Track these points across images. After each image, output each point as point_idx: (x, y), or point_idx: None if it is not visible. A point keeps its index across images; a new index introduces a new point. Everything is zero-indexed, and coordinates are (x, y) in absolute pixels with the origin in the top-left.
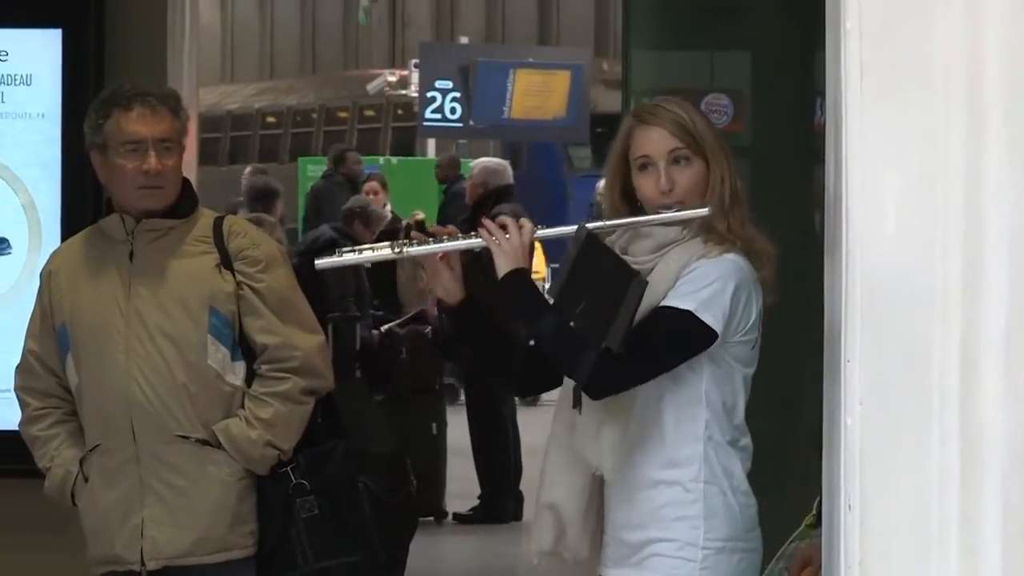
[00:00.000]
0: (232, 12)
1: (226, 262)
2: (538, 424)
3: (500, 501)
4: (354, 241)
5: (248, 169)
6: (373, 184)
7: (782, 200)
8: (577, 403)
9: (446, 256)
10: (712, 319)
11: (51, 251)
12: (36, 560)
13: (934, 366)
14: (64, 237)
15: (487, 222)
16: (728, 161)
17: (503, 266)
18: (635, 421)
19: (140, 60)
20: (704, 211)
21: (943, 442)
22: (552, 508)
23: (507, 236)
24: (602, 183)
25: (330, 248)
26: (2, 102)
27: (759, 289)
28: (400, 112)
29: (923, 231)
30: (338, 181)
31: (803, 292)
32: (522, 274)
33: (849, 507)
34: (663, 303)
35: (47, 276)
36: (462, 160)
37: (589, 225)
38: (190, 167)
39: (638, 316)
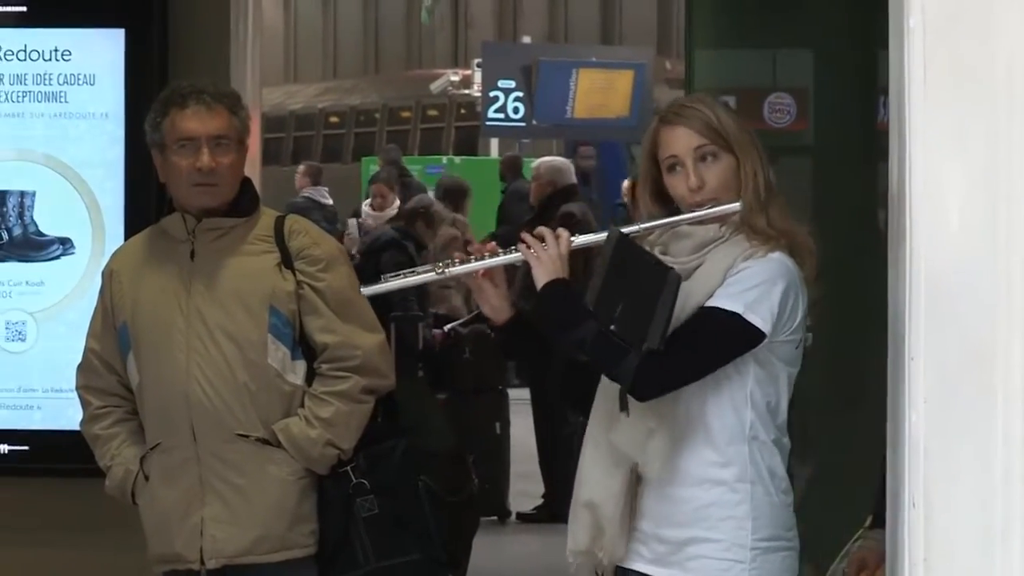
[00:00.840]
0: (295, 12)
1: (287, 261)
2: None
3: (564, 500)
4: (415, 241)
5: (301, 168)
6: (380, 187)
7: (846, 198)
8: (624, 406)
9: (489, 273)
10: (760, 320)
11: (113, 251)
12: (98, 558)
13: (998, 363)
14: (127, 236)
15: (525, 235)
16: (759, 155)
17: (541, 277)
18: (681, 422)
19: (203, 60)
20: (736, 206)
21: (1007, 439)
22: (590, 507)
23: (545, 247)
24: (626, 183)
25: (391, 247)
26: (65, 102)
27: (805, 288)
28: (463, 112)
29: (987, 228)
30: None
31: (867, 290)
32: (560, 284)
33: (913, 504)
34: (710, 303)
35: (109, 275)
36: (524, 159)
37: (624, 229)
38: (253, 167)
39: (684, 314)
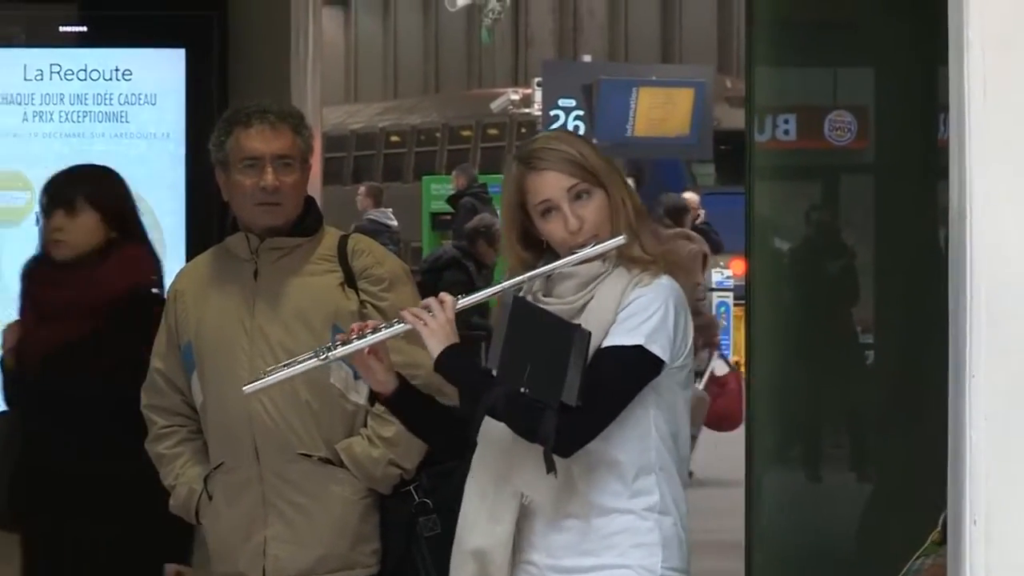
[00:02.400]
0: (356, 31)
1: (350, 281)
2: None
3: None
4: (475, 260)
5: (362, 188)
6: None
7: (906, 216)
8: (552, 467)
9: (373, 349)
10: (660, 349)
11: (176, 271)
12: None
13: None
14: (188, 257)
15: (408, 308)
16: (623, 180)
17: (434, 347)
18: (584, 458)
19: (264, 79)
20: (620, 239)
21: None
22: (478, 555)
23: (432, 315)
24: (687, 195)
25: (452, 266)
26: (126, 122)
27: (688, 310)
28: (523, 130)
29: None
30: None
31: (928, 307)
32: (457, 350)
33: (974, 522)
34: (608, 342)
35: (173, 295)
36: None
37: (510, 280)
38: (315, 186)
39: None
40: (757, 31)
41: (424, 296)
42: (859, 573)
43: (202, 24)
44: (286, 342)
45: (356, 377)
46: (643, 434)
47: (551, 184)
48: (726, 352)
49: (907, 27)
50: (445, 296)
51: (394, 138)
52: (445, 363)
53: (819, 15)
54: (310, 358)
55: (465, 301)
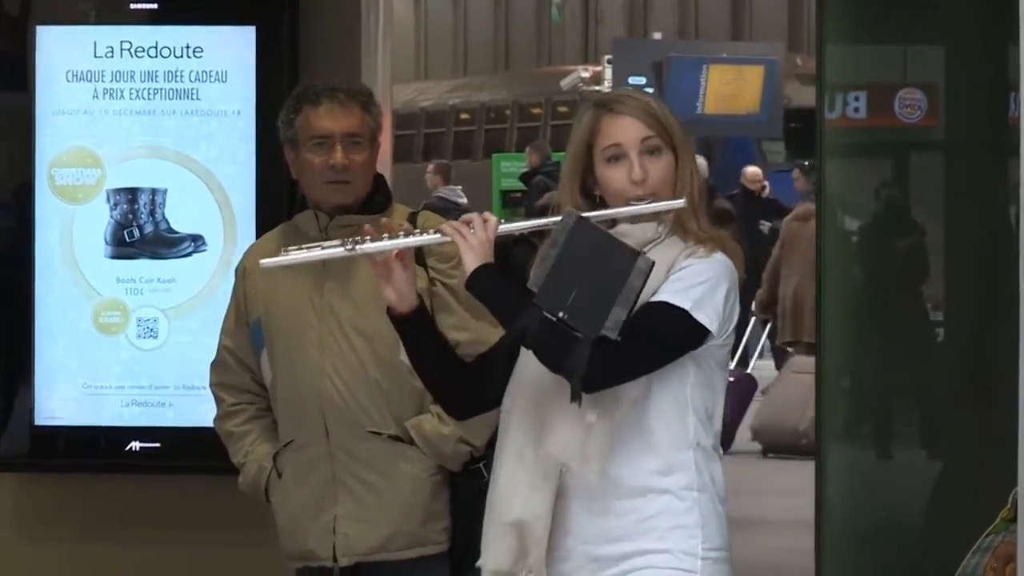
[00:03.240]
0: (425, 8)
1: (419, 258)
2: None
3: None
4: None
5: (431, 166)
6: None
7: (977, 195)
8: (577, 396)
9: (401, 255)
10: (706, 319)
11: (245, 248)
12: (233, 555)
13: None
14: (258, 234)
15: (450, 222)
16: (694, 159)
17: (470, 262)
18: (619, 427)
19: (334, 57)
20: (680, 202)
21: None
22: (518, 526)
23: (472, 231)
24: (750, 169)
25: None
26: (197, 99)
27: (738, 291)
28: None
29: None
30: None
31: (999, 286)
32: (490, 269)
33: None
34: (656, 298)
35: (242, 272)
36: None
37: (557, 218)
38: (385, 164)
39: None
40: (828, 8)
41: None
42: (929, 551)
43: (273, 2)
44: (355, 320)
45: None
46: (680, 407)
47: (626, 129)
48: None
49: (978, 5)
50: (489, 215)
51: (464, 116)
52: (478, 280)
53: None
54: (337, 246)
55: (509, 226)
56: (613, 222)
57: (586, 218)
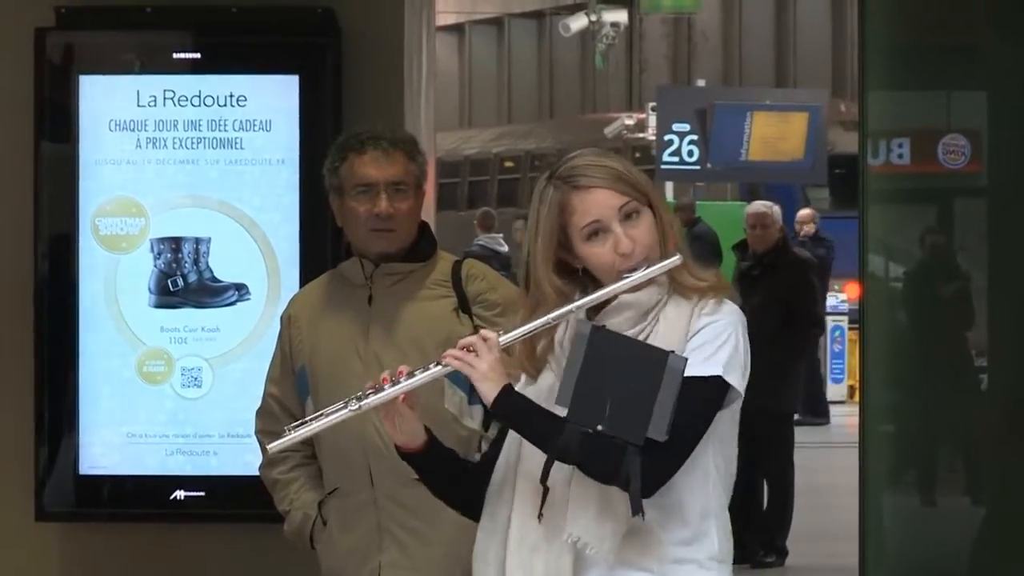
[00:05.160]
0: (469, 56)
1: (464, 306)
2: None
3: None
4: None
5: (480, 212)
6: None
7: (1021, 241)
8: (639, 509)
9: (407, 398)
10: (736, 380)
11: (289, 297)
12: None
13: None
14: (302, 282)
15: (450, 350)
16: (665, 202)
17: (488, 391)
18: (651, 502)
19: (377, 105)
20: (677, 259)
21: None
22: None
23: (476, 355)
24: (804, 212)
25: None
26: (241, 148)
27: (747, 336)
28: (638, 155)
29: None
30: None
31: None
32: (511, 392)
33: None
34: (686, 373)
35: (287, 320)
36: (697, 203)
37: (559, 310)
38: (428, 212)
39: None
40: (870, 55)
41: None
42: None
43: (316, 51)
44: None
45: (471, 403)
46: (704, 473)
47: (601, 203)
48: (840, 377)
49: (1021, 50)
50: (487, 333)
51: (508, 163)
52: (502, 405)
53: (932, 39)
54: (340, 409)
55: (509, 336)
56: (614, 297)
57: (602, 327)
